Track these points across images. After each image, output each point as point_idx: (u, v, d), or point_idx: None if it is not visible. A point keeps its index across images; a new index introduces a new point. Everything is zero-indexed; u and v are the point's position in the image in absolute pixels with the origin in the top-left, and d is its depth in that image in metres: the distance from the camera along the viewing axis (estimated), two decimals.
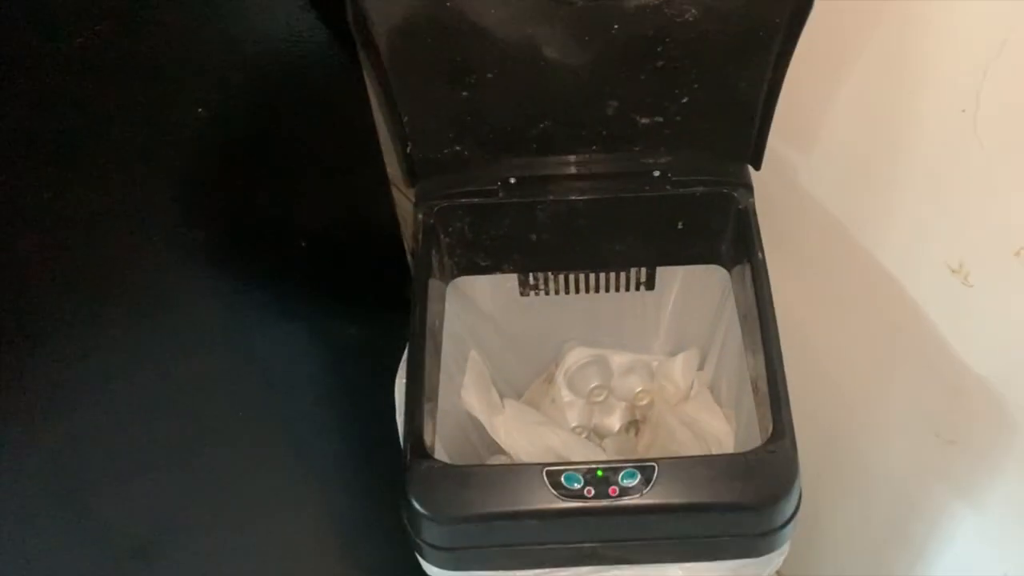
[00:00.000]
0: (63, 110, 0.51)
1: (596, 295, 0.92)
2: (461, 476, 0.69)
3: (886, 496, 0.95)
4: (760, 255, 0.76)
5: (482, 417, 0.91)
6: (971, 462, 0.81)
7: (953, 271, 0.71)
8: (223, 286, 0.69)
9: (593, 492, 0.65)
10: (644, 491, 0.65)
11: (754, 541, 0.68)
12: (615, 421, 1.03)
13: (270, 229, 0.72)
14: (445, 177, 0.79)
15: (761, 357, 0.72)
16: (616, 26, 0.66)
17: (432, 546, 0.69)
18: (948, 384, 0.78)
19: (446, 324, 0.84)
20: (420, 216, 0.79)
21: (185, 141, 0.60)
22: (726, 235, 0.82)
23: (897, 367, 0.84)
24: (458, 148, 0.76)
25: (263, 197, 0.70)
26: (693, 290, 0.93)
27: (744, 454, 0.68)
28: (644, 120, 0.74)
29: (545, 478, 0.66)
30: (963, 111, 0.63)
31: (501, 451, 0.92)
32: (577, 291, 0.91)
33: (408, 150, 0.75)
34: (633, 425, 1.03)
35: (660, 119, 0.74)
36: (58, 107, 0.50)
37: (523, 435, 0.93)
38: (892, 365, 0.85)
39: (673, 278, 0.93)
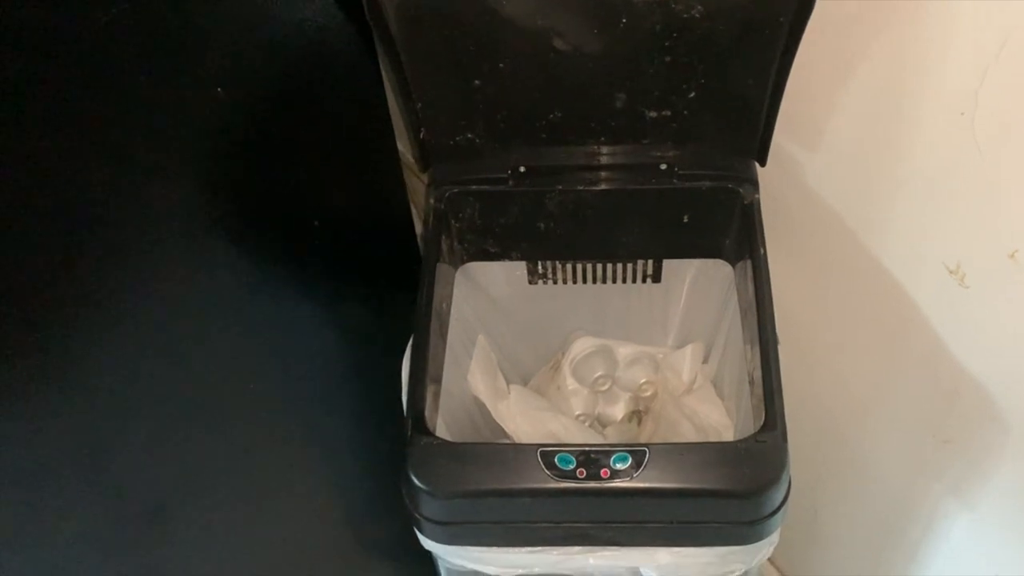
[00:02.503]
0: (83, 85, 0.52)
1: (603, 286, 0.94)
2: (459, 453, 0.71)
3: (882, 494, 0.96)
4: (762, 250, 0.78)
5: (487, 401, 0.93)
6: (965, 462, 0.82)
7: (951, 272, 0.72)
8: (238, 262, 0.71)
9: (585, 473, 0.67)
10: (635, 474, 0.67)
11: (742, 529, 0.70)
12: (618, 411, 1.04)
13: (284, 207, 0.73)
14: (457, 164, 0.80)
15: (757, 350, 0.73)
16: (624, 20, 0.68)
17: (429, 520, 0.71)
18: (944, 383, 0.79)
19: (455, 309, 0.86)
20: (432, 201, 0.81)
21: (203, 118, 0.62)
22: (731, 230, 0.83)
23: (895, 366, 0.85)
24: (470, 136, 0.78)
25: (277, 176, 0.71)
26: (700, 285, 0.94)
27: (735, 443, 0.70)
28: (652, 113, 0.76)
29: (539, 458, 0.68)
30: (962, 114, 0.64)
31: (505, 435, 0.94)
32: (584, 281, 0.93)
33: (421, 136, 0.77)
34: (636, 415, 1.04)
35: (667, 113, 0.75)
36: (78, 82, 0.52)
37: (526, 420, 0.95)
38: (890, 363, 0.85)
39: (681, 272, 0.94)
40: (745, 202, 0.80)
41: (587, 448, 0.68)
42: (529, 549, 0.72)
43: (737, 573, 0.73)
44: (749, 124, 0.75)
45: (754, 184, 0.80)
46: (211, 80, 0.62)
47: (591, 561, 0.72)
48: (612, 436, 1.03)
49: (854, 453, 0.97)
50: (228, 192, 0.67)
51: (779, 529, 0.72)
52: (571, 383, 1.03)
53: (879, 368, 0.87)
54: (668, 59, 0.71)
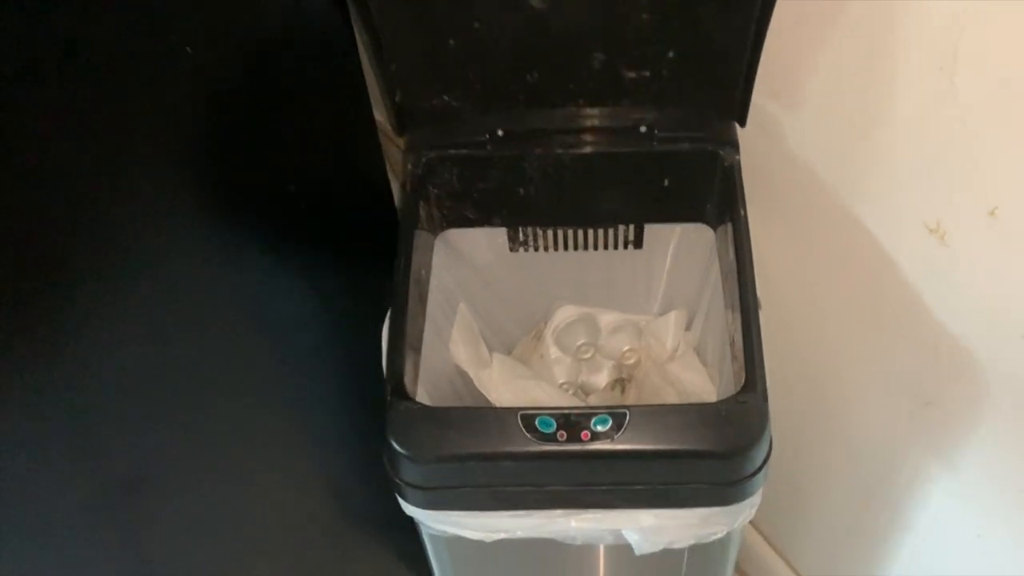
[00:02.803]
0: (42, 46, 0.51)
1: (586, 254, 0.93)
2: (439, 417, 0.71)
3: (863, 456, 0.96)
4: (742, 212, 0.77)
5: (469, 369, 0.92)
6: (946, 423, 0.82)
7: (931, 231, 0.72)
8: (211, 232, 0.69)
9: (565, 436, 0.67)
10: (615, 436, 0.66)
11: (723, 490, 0.70)
12: (601, 379, 1.04)
13: (257, 173, 0.72)
14: (434, 128, 0.80)
15: (738, 313, 0.73)
16: None
17: (410, 485, 0.71)
18: (925, 344, 0.79)
19: (435, 277, 0.86)
20: (409, 166, 0.80)
21: (171, 80, 0.61)
22: (712, 193, 0.83)
23: (875, 326, 0.85)
24: (447, 98, 0.77)
25: (249, 141, 0.70)
26: (682, 251, 0.93)
27: (715, 404, 0.70)
28: (631, 74, 0.75)
29: (519, 421, 0.67)
30: (940, 68, 0.64)
31: (488, 404, 0.94)
32: (566, 248, 0.92)
33: (397, 99, 0.76)
34: (619, 383, 1.04)
35: (646, 73, 0.75)
36: (36, 43, 0.50)
37: (509, 389, 0.95)
38: (870, 324, 0.85)
39: (663, 238, 0.93)
40: (726, 164, 0.79)
41: (567, 411, 0.67)
42: (511, 513, 0.72)
43: (720, 535, 0.73)
44: (728, 83, 0.75)
45: (734, 146, 0.79)
46: (179, 39, 0.60)
47: (573, 524, 0.72)
48: (596, 404, 1.02)
49: (835, 417, 0.97)
50: (198, 159, 0.66)
51: (761, 490, 0.72)
52: (554, 352, 1.02)
53: (860, 330, 0.87)
54: (645, 16, 0.70)
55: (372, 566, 1.11)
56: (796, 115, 0.79)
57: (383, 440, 0.69)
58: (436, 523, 0.74)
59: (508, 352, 1.03)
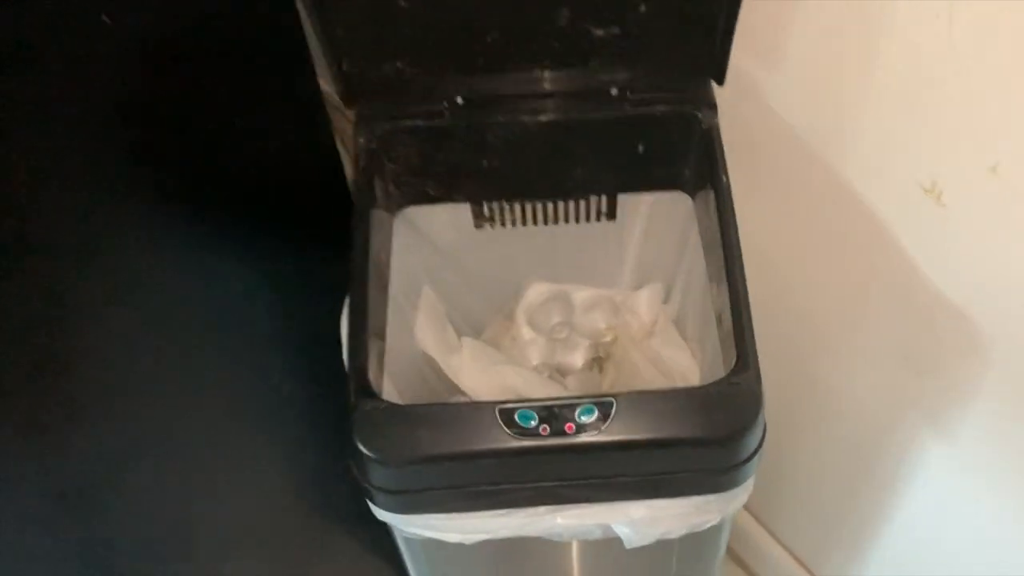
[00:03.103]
0: None
1: (556, 227, 0.88)
2: (409, 416, 0.66)
3: (855, 428, 0.93)
4: (724, 179, 0.73)
5: (438, 356, 0.87)
6: (942, 392, 0.80)
7: (926, 191, 0.68)
8: (142, 216, 0.64)
9: (548, 430, 0.62)
10: (602, 427, 0.62)
11: (717, 476, 0.66)
12: (578, 359, 1.00)
13: (193, 153, 0.67)
14: (387, 98, 0.74)
15: (725, 287, 0.69)
16: None
17: (381, 490, 0.66)
18: (920, 311, 0.75)
19: (396, 259, 0.80)
20: (361, 140, 0.75)
21: (90, 54, 0.55)
22: (689, 158, 0.78)
23: (867, 293, 0.81)
24: (399, 64, 0.71)
25: (182, 118, 0.65)
26: (657, 221, 0.89)
27: (706, 387, 0.66)
28: (599, 31, 0.70)
29: (498, 416, 0.63)
30: (937, 16, 0.59)
31: (460, 392, 0.89)
32: (535, 222, 0.87)
33: (344, 67, 0.70)
34: (597, 362, 1.00)
35: (616, 30, 0.69)
36: None
37: (482, 375, 0.90)
38: (862, 291, 0.82)
39: (636, 208, 0.89)
40: (704, 127, 0.75)
41: (549, 402, 0.63)
42: (491, 513, 0.68)
43: (713, 523, 0.70)
44: (705, 38, 0.69)
45: (712, 107, 0.75)
46: (95, 8, 0.54)
47: (559, 521, 0.68)
48: (573, 385, 0.98)
49: (826, 390, 0.94)
50: (124, 140, 0.60)
51: (754, 474, 0.68)
52: (527, 332, 0.98)
53: (850, 295, 0.84)
54: None
55: (346, 564, 1.07)
56: (778, 70, 0.75)
57: (348, 442, 0.64)
58: (411, 527, 0.70)
59: (478, 335, 0.99)
